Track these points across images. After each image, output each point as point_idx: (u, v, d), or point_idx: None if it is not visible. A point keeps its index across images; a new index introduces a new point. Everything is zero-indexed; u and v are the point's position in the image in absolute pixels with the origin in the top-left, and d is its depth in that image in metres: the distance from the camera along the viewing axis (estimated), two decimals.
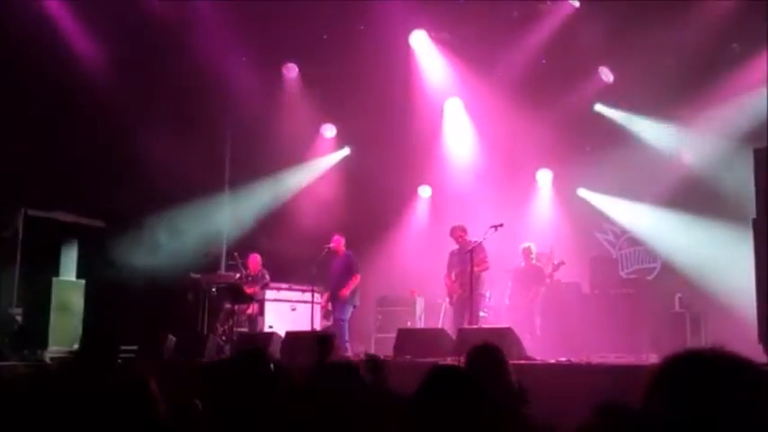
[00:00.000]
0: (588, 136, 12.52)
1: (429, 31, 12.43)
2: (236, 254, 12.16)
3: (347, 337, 10.53)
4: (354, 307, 10.98)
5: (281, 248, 12.24)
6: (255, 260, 11.97)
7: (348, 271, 10.94)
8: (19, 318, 10.84)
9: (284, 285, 12.08)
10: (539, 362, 7.83)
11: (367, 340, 12.00)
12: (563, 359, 7.97)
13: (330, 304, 11.28)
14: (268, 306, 11.74)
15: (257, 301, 11.60)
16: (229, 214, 13.52)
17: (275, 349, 8.82)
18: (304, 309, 11.17)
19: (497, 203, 12.09)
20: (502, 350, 3.84)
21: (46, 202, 11.52)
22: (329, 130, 14.14)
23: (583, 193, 13.12)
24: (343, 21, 11.72)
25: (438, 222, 13.19)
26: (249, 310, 11.57)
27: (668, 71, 11.11)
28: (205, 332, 10.91)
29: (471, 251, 9.52)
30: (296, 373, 4.02)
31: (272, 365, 3.30)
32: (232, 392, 2.85)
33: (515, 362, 7.52)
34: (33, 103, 10.77)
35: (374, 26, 11.72)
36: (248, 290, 11.29)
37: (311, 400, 2.89)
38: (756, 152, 8.11)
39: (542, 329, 10.68)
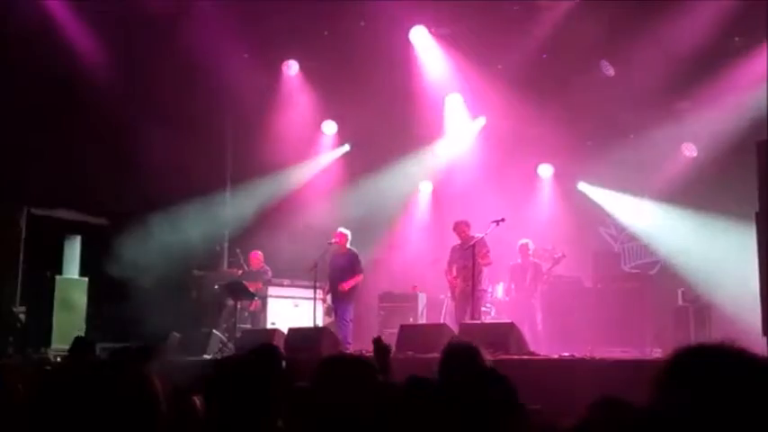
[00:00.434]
0: (590, 130, 12.50)
1: (429, 27, 12.40)
2: (238, 251, 12.18)
3: (350, 339, 10.50)
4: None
5: (283, 245, 12.25)
6: (257, 257, 11.99)
7: (350, 268, 10.94)
8: (22, 316, 10.86)
9: (286, 282, 12.10)
10: (542, 356, 7.84)
11: (369, 336, 11.99)
12: (566, 354, 7.97)
13: (331, 300, 11.28)
14: (270, 302, 11.77)
15: (260, 297, 11.62)
16: (231, 211, 13.53)
17: (278, 346, 8.82)
18: (306, 305, 11.18)
19: (499, 198, 12.10)
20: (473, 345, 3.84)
21: (49, 199, 11.53)
22: (330, 127, 14.13)
23: (583, 187, 13.12)
24: (343, 17, 11.69)
25: (440, 218, 13.20)
26: (252, 307, 11.59)
27: (669, 64, 11.08)
28: (208, 329, 10.92)
29: (473, 246, 9.53)
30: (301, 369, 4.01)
31: (283, 363, 3.31)
32: (243, 390, 2.84)
33: (518, 357, 7.56)
34: (35, 102, 10.76)
35: (374, 22, 11.70)
36: (250, 286, 11.30)
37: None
38: (759, 145, 8.08)
39: (545, 324, 10.69)
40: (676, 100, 11.71)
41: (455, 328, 8.86)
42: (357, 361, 2.89)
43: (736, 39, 11.01)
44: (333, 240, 10.99)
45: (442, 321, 10.85)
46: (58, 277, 11.19)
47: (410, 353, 8.07)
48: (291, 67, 13.39)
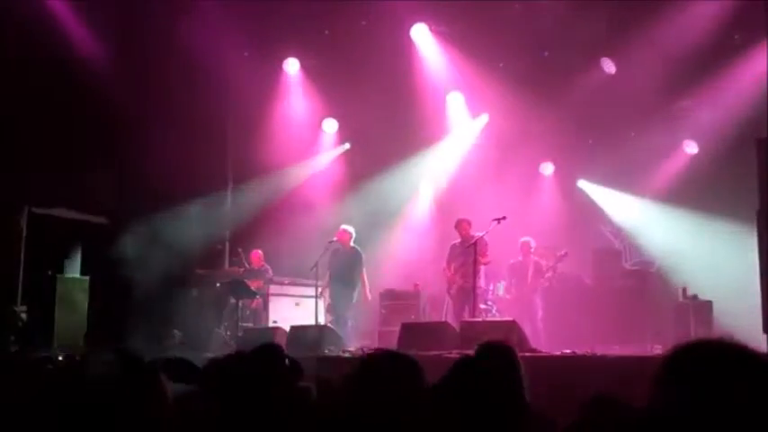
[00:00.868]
0: (590, 128, 12.51)
1: (430, 25, 12.40)
2: (239, 249, 12.19)
3: (350, 337, 10.50)
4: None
5: (284, 244, 12.25)
6: (258, 255, 12.01)
7: (353, 267, 10.94)
8: (24, 315, 10.86)
9: (287, 280, 12.12)
10: (543, 354, 7.85)
11: (371, 334, 12.02)
12: (567, 351, 7.98)
13: (330, 298, 11.29)
14: (272, 301, 11.78)
15: (261, 295, 11.64)
16: (232, 210, 13.54)
17: (280, 344, 8.84)
18: (308, 303, 11.19)
19: (500, 196, 12.10)
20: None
21: (50, 199, 11.53)
22: (331, 125, 14.13)
23: (583, 185, 13.12)
24: (344, 16, 11.70)
25: (441, 216, 13.20)
26: (253, 305, 11.61)
27: (669, 62, 11.09)
28: (210, 327, 10.94)
29: (474, 244, 9.55)
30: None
31: (287, 361, 3.31)
32: (247, 387, 2.84)
33: (520, 354, 7.55)
34: (36, 101, 10.77)
35: (375, 21, 11.70)
36: (251, 285, 11.32)
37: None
38: (759, 142, 8.08)
39: (546, 322, 10.71)
40: (676, 98, 11.71)
41: (454, 325, 8.87)
42: (405, 359, 2.71)
43: (736, 37, 11.02)
44: (335, 238, 11.00)
45: (443, 319, 10.87)
46: (59, 276, 11.18)
47: (412, 351, 8.08)
48: (292, 66, 13.40)
